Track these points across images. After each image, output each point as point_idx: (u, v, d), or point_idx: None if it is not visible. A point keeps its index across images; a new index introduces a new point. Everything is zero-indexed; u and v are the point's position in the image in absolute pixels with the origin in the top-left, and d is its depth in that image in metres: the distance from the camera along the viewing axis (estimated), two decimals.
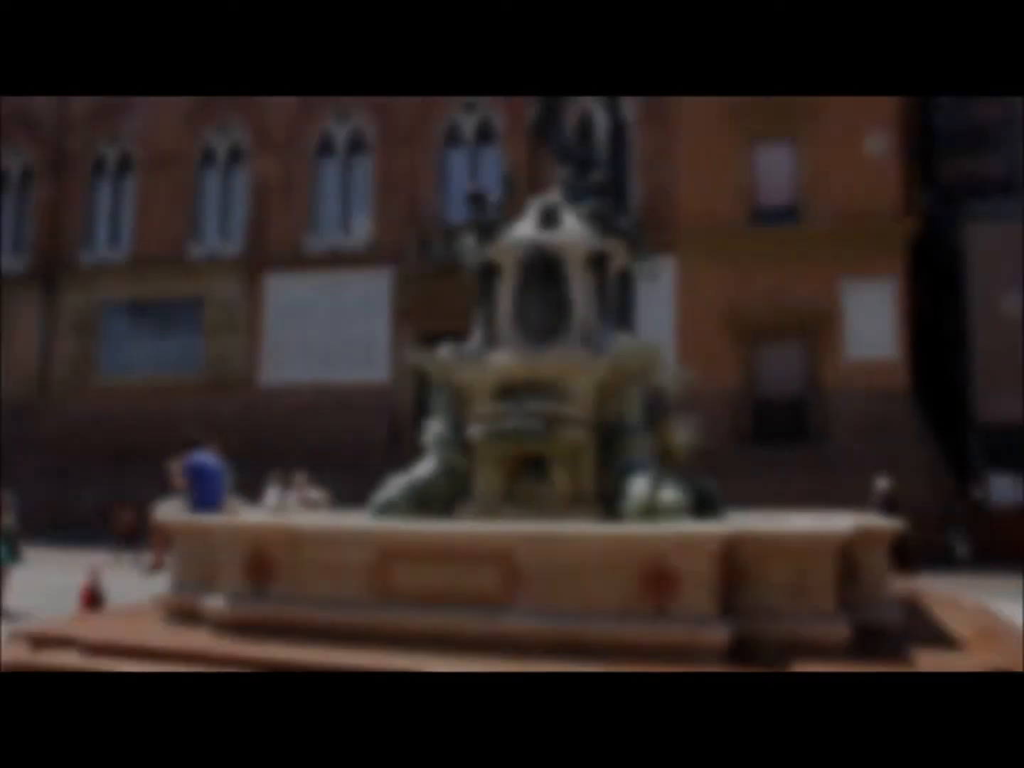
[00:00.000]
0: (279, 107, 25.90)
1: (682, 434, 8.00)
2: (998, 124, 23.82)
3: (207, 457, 10.24)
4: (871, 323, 21.28)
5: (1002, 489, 20.17)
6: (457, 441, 7.73)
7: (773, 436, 21.61)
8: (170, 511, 9.70)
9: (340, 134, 25.80)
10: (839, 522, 6.61)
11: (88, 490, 24.55)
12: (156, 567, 10.05)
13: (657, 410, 8.07)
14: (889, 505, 13.30)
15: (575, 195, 8.38)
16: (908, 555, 12.49)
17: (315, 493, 14.56)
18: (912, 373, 20.95)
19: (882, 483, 13.67)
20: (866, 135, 21.43)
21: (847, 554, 6.19)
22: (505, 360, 7.92)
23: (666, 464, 7.79)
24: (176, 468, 9.99)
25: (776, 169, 22.55)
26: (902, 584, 11.87)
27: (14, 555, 11.73)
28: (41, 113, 27.98)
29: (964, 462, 21.49)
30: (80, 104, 27.53)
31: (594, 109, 22.67)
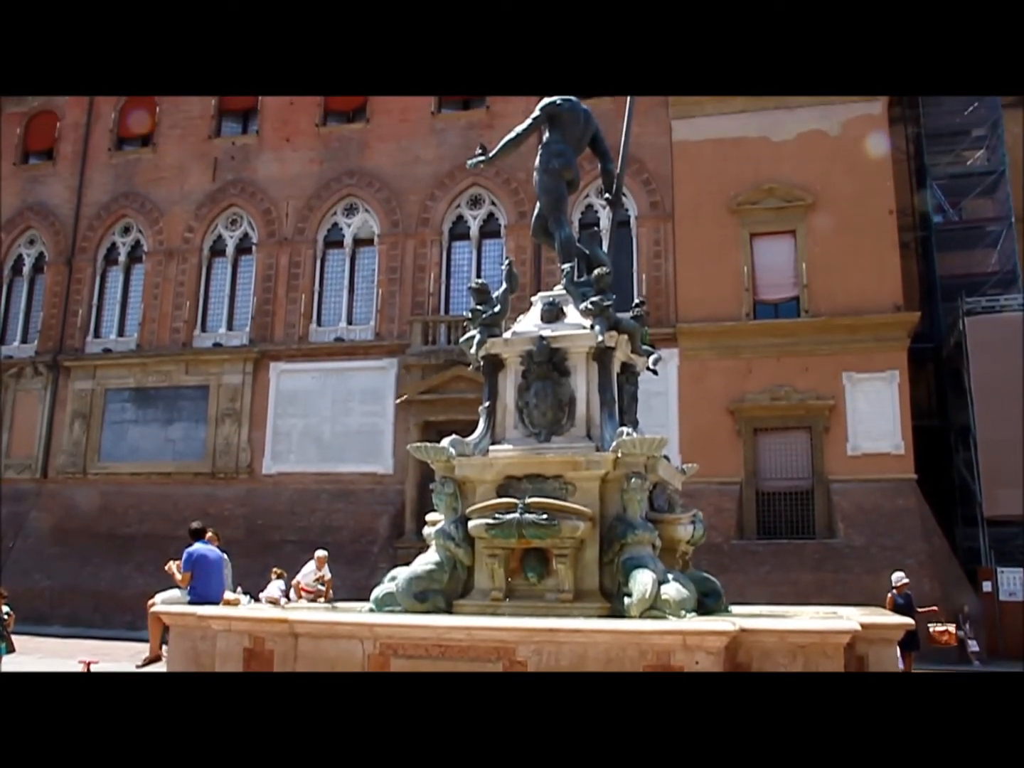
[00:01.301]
0: (288, 200, 26.46)
1: (686, 529, 7.95)
2: (992, 220, 24.24)
3: (208, 549, 10.18)
4: (874, 416, 21.29)
5: (1011, 584, 19.89)
6: (459, 534, 7.68)
7: (777, 529, 21.43)
8: (167, 602, 9.59)
9: (347, 227, 26.27)
10: (846, 618, 6.53)
11: (88, 576, 24.29)
12: (153, 659, 9.87)
13: (661, 503, 8.05)
14: (907, 600, 13.09)
15: (578, 290, 8.49)
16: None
17: (329, 572, 14.73)
18: (916, 466, 20.86)
19: (899, 578, 13.46)
20: (867, 137, 21.79)
21: (855, 651, 6.11)
22: (508, 453, 7.93)
23: (669, 559, 7.73)
24: (177, 567, 9.98)
25: (776, 263, 22.86)
26: None
27: (8, 646, 11.54)
28: (57, 204, 28.60)
29: (970, 556, 21.25)
30: (94, 195, 28.16)
31: (597, 205, 23.14)
